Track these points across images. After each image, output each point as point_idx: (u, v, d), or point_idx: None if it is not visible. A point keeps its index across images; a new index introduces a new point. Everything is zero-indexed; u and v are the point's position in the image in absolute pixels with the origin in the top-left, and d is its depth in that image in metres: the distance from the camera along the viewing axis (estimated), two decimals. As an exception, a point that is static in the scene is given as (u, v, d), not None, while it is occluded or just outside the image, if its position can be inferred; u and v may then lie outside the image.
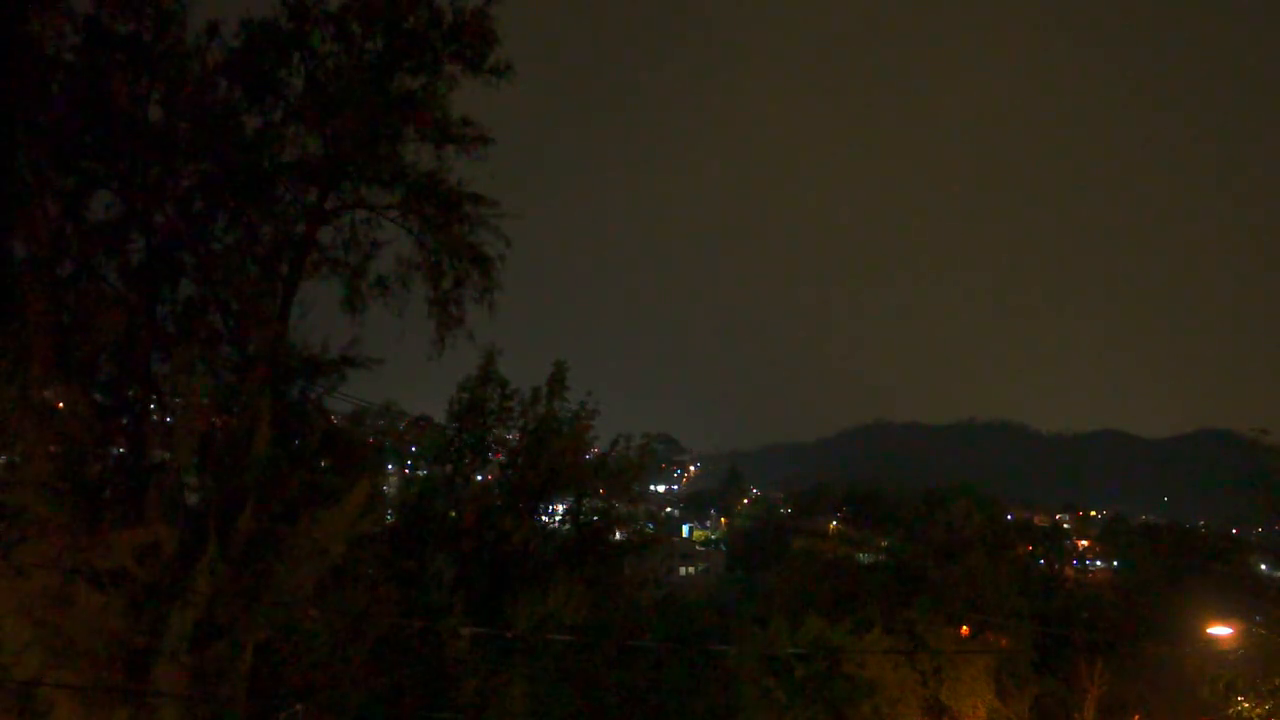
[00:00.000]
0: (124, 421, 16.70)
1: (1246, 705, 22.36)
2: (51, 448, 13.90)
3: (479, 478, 24.57)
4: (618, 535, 25.32)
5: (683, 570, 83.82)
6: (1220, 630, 24.78)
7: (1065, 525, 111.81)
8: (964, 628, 31.94)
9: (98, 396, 16.30)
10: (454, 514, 23.55)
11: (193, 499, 15.83)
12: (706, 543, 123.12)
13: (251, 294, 18.10)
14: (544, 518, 24.88)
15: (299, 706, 15.30)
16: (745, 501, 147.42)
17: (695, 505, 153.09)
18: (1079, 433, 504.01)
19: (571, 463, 23.87)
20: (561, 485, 24.20)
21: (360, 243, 20.56)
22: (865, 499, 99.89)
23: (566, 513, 25.30)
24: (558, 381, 24.53)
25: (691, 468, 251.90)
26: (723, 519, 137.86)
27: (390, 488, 27.37)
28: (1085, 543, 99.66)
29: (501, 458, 24.88)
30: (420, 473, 26.29)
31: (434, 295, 20.89)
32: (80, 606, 12.81)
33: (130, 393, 16.74)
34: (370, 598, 17.87)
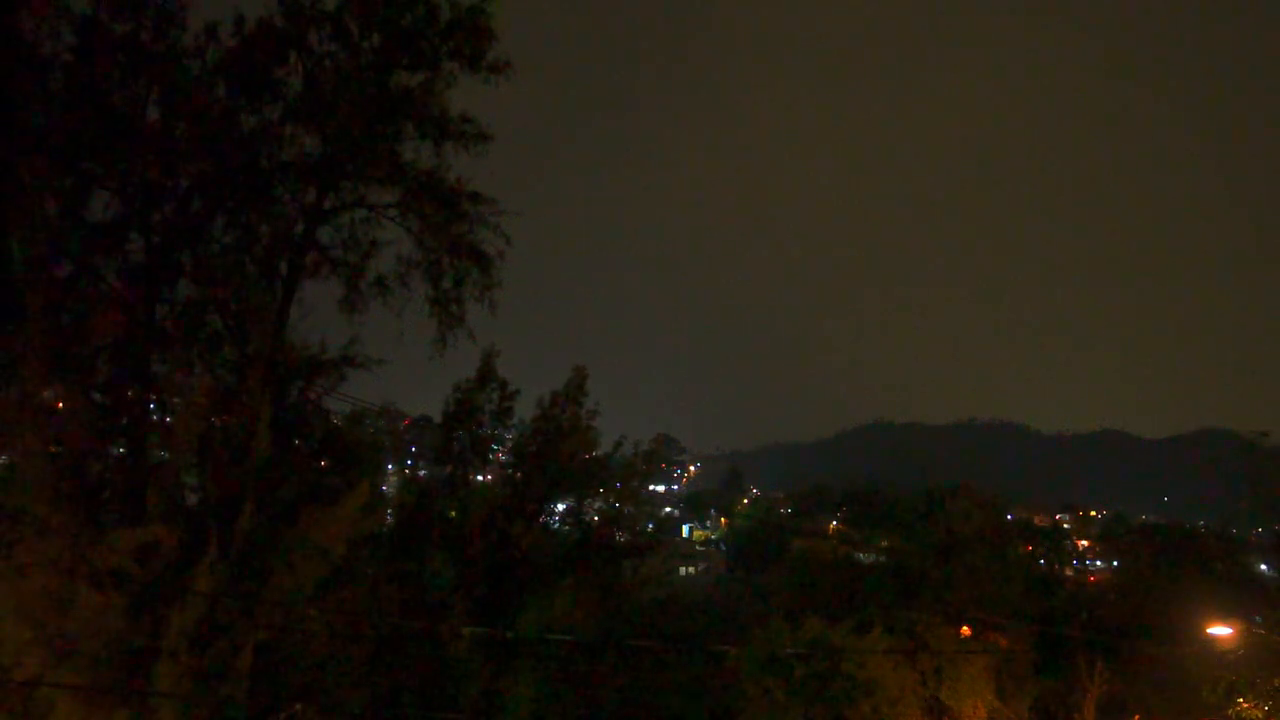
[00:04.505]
0: (124, 421, 16.66)
1: (1247, 706, 22.36)
2: (51, 448, 13.88)
3: (479, 478, 24.56)
4: (620, 538, 25.31)
5: (683, 570, 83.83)
6: (1220, 630, 24.75)
7: (1065, 525, 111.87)
8: (964, 628, 31.91)
9: (97, 396, 16.26)
10: (454, 514, 23.54)
11: (193, 499, 15.81)
12: (706, 543, 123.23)
13: (250, 294, 18.07)
14: (544, 518, 24.86)
15: (299, 706, 15.27)
16: (745, 501, 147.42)
17: (695, 505, 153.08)
18: (1079, 433, 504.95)
19: (579, 465, 23.88)
20: (567, 487, 24.20)
21: (359, 242, 20.52)
22: (865, 499, 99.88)
23: (568, 514, 25.29)
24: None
25: (691, 468, 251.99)
26: (723, 519, 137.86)
27: (390, 488, 27.36)
28: (1085, 543, 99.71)
29: (504, 458, 24.86)
30: (421, 473, 26.30)
31: (434, 294, 20.88)
32: (80, 606, 12.78)
33: (130, 393, 16.70)
34: (370, 598, 17.86)
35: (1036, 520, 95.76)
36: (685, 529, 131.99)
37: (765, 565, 75.50)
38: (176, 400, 16.20)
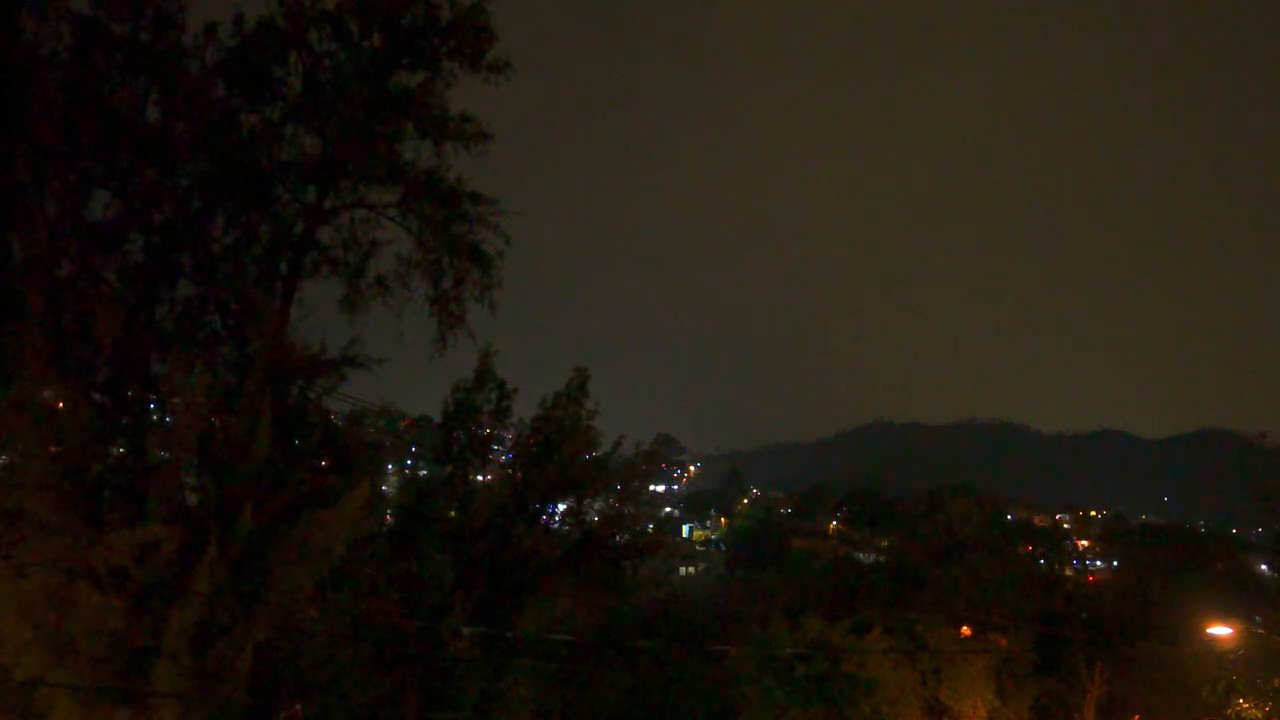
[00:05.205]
0: (124, 421, 16.67)
1: (1246, 706, 22.38)
2: (51, 448, 13.87)
3: (479, 478, 24.53)
4: (620, 538, 25.27)
5: (683, 570, 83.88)
6: (1220, 630, 24.76)
7: (1065, 525, 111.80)
8: (964, 628, 31.89)
9: (97, 396, 16.27)
10: (454, 514, 23.53)
11: (193, 499, 15.79)
12: (706, 543, 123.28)
13: (250, 294, 18.07)
14: (544, 518, 24.83)
15: (299, 706, 15.26)
16: (745, 501, 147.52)
17: (695, 505, 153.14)
18: (1079, 433, 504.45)
19: (580, 466, 23.83)
20: (568, 488, 24.15)
21: (359, 242, 20.55)
22: (865, 499, 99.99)
23: (568, 514, 25.25)
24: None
25: (691, 468, 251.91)
26: (723, 519, 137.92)
27: (390, 488, 27.35)
28: (1085, 543, 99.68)
29: (504, 459, 24.83)
30: (421, 473, 26.27)
31: (434, 294, 20.90)
32: (80, 606, 12.77)
33: (130, 393, 16.71)
34: (370, 598, 17.86)
35: (1036, 520, 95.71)
36: (685, 529, 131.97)
37: (765, 565, 75.55)
38: (176, 400, 16.17)
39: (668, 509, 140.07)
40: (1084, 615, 34.05)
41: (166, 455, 15.70)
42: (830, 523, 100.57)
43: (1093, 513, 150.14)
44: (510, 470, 24.36)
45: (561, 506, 25.13)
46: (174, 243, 17.86)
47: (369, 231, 20.57)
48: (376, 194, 20.19)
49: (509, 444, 24.80)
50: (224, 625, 13.91)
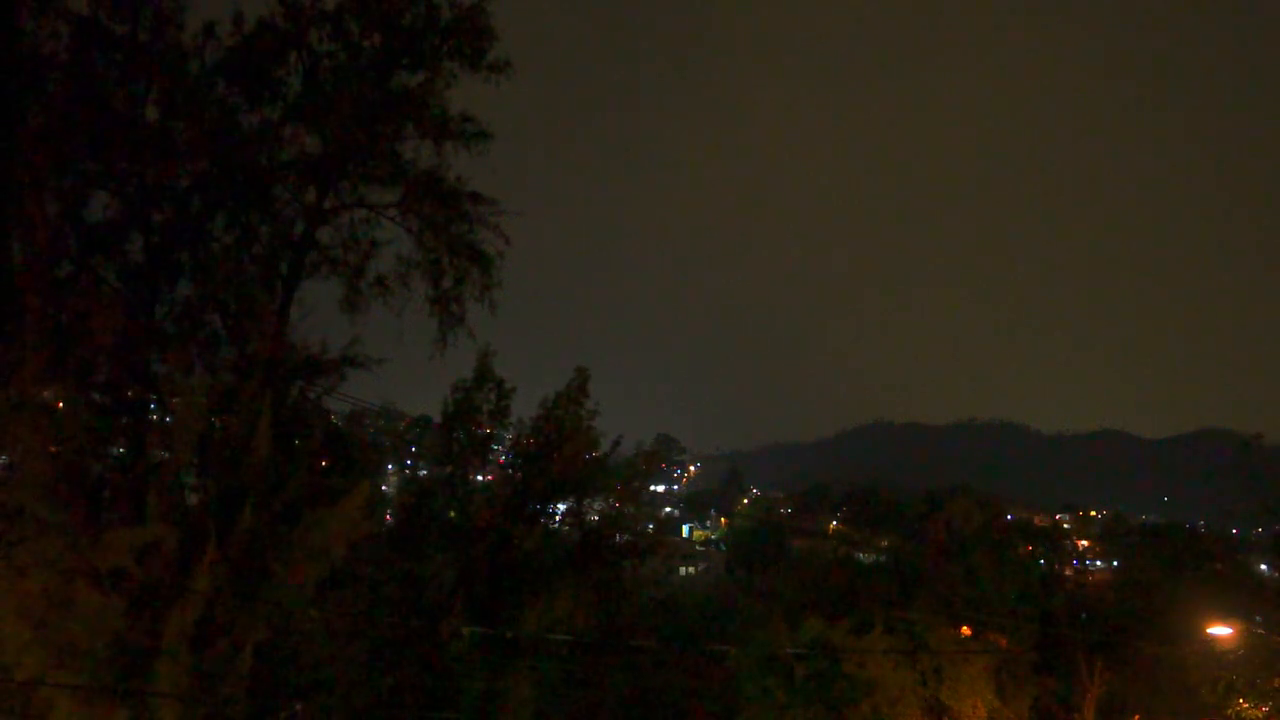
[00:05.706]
0: (124, 421, 16.67)
1: (1246, 706, 22.41)
2: (51, 448, 13.87)
3: (479, 478, 24.52)
4: (620, 538, 25.25)
5: (683, 570, 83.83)
6: (1220, 630, 24.77)
7: (1065, 525, 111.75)
8: (964, 628, 31.89)
9: (97, 396, 16.27)
10: (454, 514, 23.53)
11: (193, 499, 15.80)
12: (706, 543, 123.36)
13: (250, 294, 18.07)
14: (544, 518, 24.82)
15: (299, 706, 15.27)
16: (745, 501, 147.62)
17: (695, 505, 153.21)
18: (1079, 433, 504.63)
19: (580, 466, 23.82)
20: (568, 488, 24.14)
21: (359, 242, 20.53)
22: (865, 499, 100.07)
23: (567, 514, 25.24)
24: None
25: (691, 468, 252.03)
26: (723, 519, 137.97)
27: (390, 488, 27.35)
28: (1085, 543, 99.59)
29: (504, 459, 24.82)
30: (421, 473, 26.26)
31: (434, 294, 20.90)
32: (80, 606, 12.77)
33: (129, 393, 16.71)
34: (370, 598, 17.87)
35: (1036, 520, 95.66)
36: (685, 529, 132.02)
37: (765, 565, 75.52)
38: (176, 400, 16.18)
39: (668, 509, 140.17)
40: (1084, 615, 34.04)
41: (166, 455, 15.70)
42: (830, 523, 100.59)
43: (1093, 513, 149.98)
44: (510, 470, 24.34)
45: (561, 506, 25.10)
46: (174, 243, 17.87)
47: (369, 231, 20.56)
48: (376, 194, 20.18)
49: (509, 444, 24.79)
50: (224, 625, 13.91)
